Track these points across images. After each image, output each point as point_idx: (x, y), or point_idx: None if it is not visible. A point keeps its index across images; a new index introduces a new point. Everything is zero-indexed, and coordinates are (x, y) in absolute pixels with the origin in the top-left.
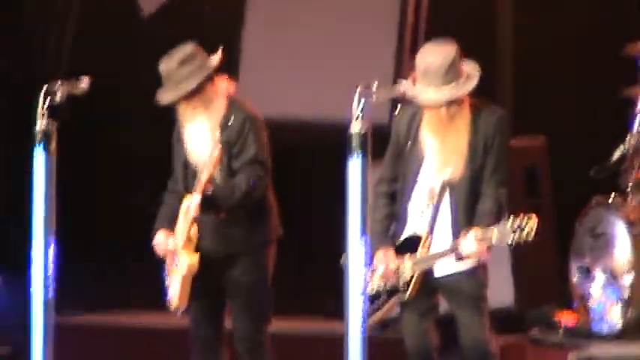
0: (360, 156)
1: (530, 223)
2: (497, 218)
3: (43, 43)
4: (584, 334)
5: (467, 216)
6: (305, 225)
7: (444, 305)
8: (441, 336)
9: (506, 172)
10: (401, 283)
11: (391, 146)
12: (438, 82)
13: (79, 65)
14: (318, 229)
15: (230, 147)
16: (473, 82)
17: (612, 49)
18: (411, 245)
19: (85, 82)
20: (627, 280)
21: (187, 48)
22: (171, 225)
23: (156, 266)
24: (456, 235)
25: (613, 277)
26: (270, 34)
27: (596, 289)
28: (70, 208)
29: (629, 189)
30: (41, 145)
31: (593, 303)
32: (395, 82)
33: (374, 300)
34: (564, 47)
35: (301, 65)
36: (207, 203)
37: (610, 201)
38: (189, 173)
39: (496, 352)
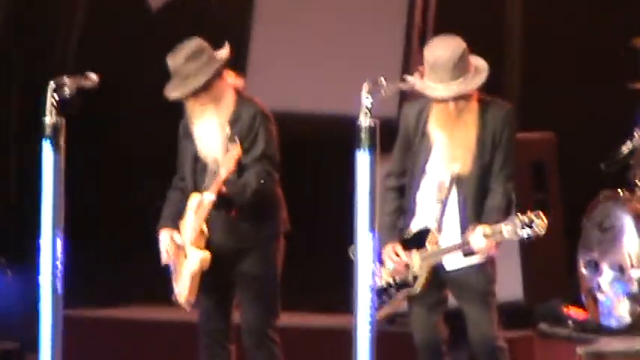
0: (368, 150)
1: (540, 220)
2: (505, 214)
3: (50, 40)
4: (593, 328)
5: (475, 211)
6: (313, 219)
7: (452, 300)
8: (449, 330)
9: (514, 167)
10: (410, 278)
11: (399, 140)
12: (447, 77)
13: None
14: (327, 223)
15: (240, 142)
16: (481, 77)
17: (619, 43)
18: (419, 239)
19: (93, 77)
20: (635, 274)
21: (194, 43)
22: (175, 222)
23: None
24: (464, 229)
25: (621, 271)
26: (278, 29)
27: (605, 284)
28: (77, 203)
29: (637, 183)
30: (49, 140)
31: (601, 297)
32: (403, 76)
33: (382, 294)
34: (572, 42)
35: (309, 60)
36: (220, 202)
37: (618, 195)
38: (199, 168)
39: (504, 347)
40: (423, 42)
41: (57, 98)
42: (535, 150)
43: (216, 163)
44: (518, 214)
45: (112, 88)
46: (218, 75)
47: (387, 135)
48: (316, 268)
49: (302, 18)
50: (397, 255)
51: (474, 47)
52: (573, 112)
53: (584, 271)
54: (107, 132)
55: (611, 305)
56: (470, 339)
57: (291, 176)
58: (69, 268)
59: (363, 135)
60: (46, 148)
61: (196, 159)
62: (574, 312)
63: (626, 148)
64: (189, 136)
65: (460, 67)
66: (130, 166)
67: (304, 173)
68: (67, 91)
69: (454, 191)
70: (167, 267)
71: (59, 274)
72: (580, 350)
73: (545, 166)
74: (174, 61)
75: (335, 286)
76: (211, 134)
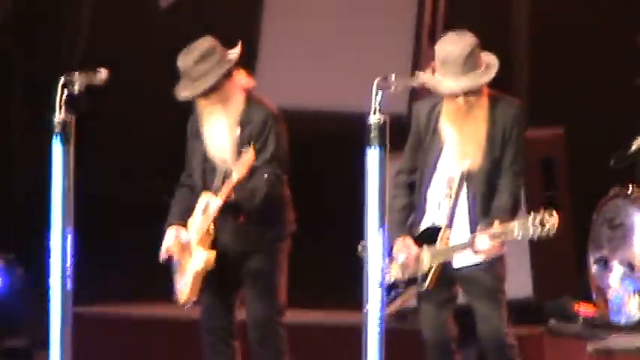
0: (378, 147)
1: (552, 220)
2: (512, 213)
3: (58, 37)
4: (603, 325)
5: (484, 207)
6: (323, 216)
7: (462, 296)
8: (459, 327)
9: (523, 164)
10: (419, 274)
11: (411, 137)
12: (457, 72)
13: (93, 59)
14: (336, 220)
15: (250, 144)
16: (492, 73)
17: (629, 38)
18: (429, 236)
19: (103, 74)
20: None
21: (205, 43)
22: (183, 219)
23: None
24: (473, 227)
25: (631, 268)
26: (287, 26)
27: (614, 281)
28: (84, 200)
29: None
30: (59, 137)
31: (611, 294)
32: (413, 72)
33: (392, 290)
34: (581, 38)
35: (319, 56)
36: (228, 208)
37: (628, 192)
38: (208, 168)
39: (514, 344)
40: (432, 40)
41: (66, 95)
42: (544, 147)
43: (225, 164)
44: (531, 212)
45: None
46: (227, 76)
47: (397, 132)
48: (326, 265)
49: (311, 15)
50: (407, 248)
51: (483, 45)
52: (583, 108)
53: (593, 268)
54: (114, 130)
55: (620, 302)
56: (479, 336)
57: (301, 173)
58: (78, 266)
59: (373, 132)
60: (56, 145)
61: (205, 158)
62: (584, 309)
63: (635, 145)
64: (198, 135)
65: (471, 63)
66: (138, 163)
67: (314, 170)
68: (76, 87)
69: (464, 187)
70: (170, 264)
71: (69, 272)
72: (590, 347)
73: (554, 163)
74: (185, 61)
75: (344, 283)
76: (220, 135)
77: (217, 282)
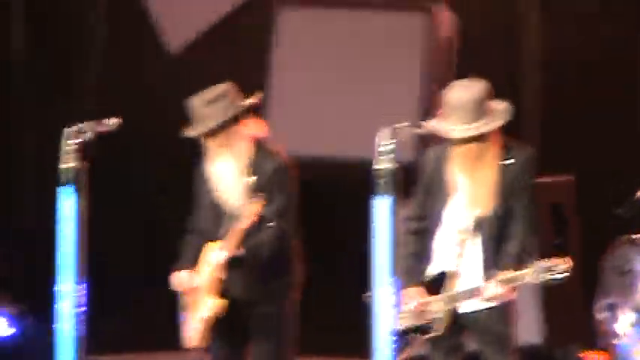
0: (387, 194)
1: (563, 266)
2: (524, 260)
3: (69, 80)
4: None
5: (495, 255)
6: (332, 262)
7: (471, 343)
8: None
9: (535, 212)
10: (430, 321)
11: (420, 184)
12: (467, 118)
13: (104, 104)
14: (345, 267)
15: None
16: (502, 119)
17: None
18: (440, 282)
19: (113, 122)
20: None
21: (220, 87)
22: (194, 264)
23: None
24: (487, 272)
25: None
26: (296, 74)
27: (623, 327)
28: (96, 249)
29: None
30: (68, 185)
31: (620, 341)
32: (421, 120)
33: (403, 337)
34: (591, 86)
35: (328, 103)
36: (234, 261)
37: (636, 239)
38: (216, 213)
39: None
40: (439, 88)
41: (74, 144)
42: (554, 193)
43: (232, 209)
44: (543, 258)
45: (138, 127)
46: (234, 120)
47: (406, 179)
48: (334, 312)
49: (319, 63)
50: (417, 296)
51: (493, 84)
52: (593, 154)
53: (602, 314)
54: (121, 177)
55: (629, 349)
56: None
57: (309, 220)
58: (87, 315)
59: (381, 180)
60: (64, 194)
61: (213, 204)
62: (592, 356)
63: None
64: (206, 182)
65: (480, 109)
66: (142, 210)
67: (322, 217)
68: (87, 136)
69: (475, 234)
70: (177, 313)
71: (79, 321)
72: None
73: (564, 210)
74: (196, 102)
75: (353, 330)
76: (227, 180)
77: (228, 333)
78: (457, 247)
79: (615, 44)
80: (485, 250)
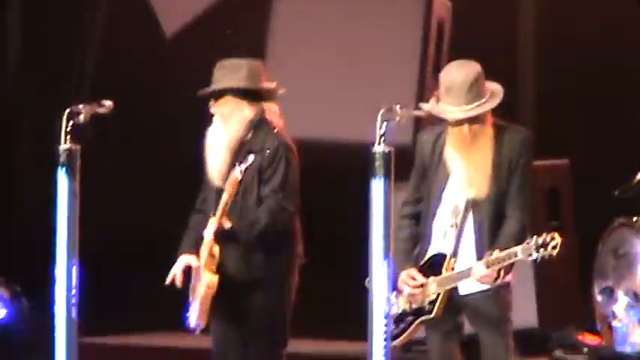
0: (383, 177)
1: (554, 241)
2: (518, 241)
3: (67, 66)
4: (608, 355)
5: (491, 235)
6: (329, 246)
7: (468, 326)
8: (465, 357)
9: (530, 194)
10: (426, 304)
11: (416, 168)
12: (462, 99)
13: (101, 89)
14: (342, 250)
15: (261, 173)
16: (496, 100)
17: (635, 69)
18: (435, 265)
19: (108, 104)
20: None
21: (250, 61)
22: (196, 246)
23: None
24: (480, 254)
25: (636, 297)
26: (292, 58)
27: (620, 310)
28: (93, 229)
29: None
30: (64, 168)
31: (616, 324)
32: (417, 103)
33: (400, 321)
34: (587, 67)
35: (325, 88)
36: (225, 236)
37: (633, 222)
38: (217, 191)
39: None
40: (437, 70)
41: (72, 125)
42: (549, 177)
43: (218, 184)
44: (534, 235)
45: (135, 111)
46: (243, 93)
47: (402, 163)
48: (332, 295)
49: (316, 47)
50: (413, 279)
51: (488, 75)
52: (589, 138)
53: (599, 297)
54: (121, 159)
55: (626, 332)
56: None
57: (307, 204)
58: (89, 297)
59: (378, 162)
60: (61, 175)
61: (212, 182)
62: (589, 339)
63: (639, 175)
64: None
65: (475, 90)
66: (143, 193)
67: (319, 201)
68: (82, 118)
69: (470, 216)
70: (179, 293)
71: (74, 302)
72: None
73: (560, 193)
74: (218, 64)
75: (350, 314)
76: (216, 154)
77: (226, 312)
78: (452, 229)
79: (614, 23)
80: (480, 232)
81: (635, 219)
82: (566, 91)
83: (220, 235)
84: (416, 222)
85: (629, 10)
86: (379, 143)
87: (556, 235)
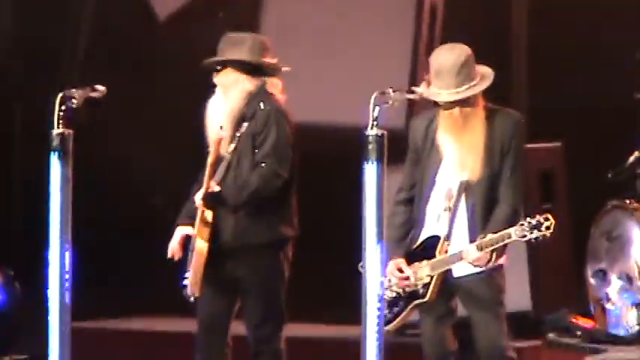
0: (376, 161)
1: (547, 222)
2: (511, 224)
3: (57, 52)
4: (601, 338)
5: (484, 218)
6: (322, 230)
7: (461, 309)
8: (458, 341)
9: (522, 176)
10: (420, 287)
11: (409, 154)
12: (452, 82)
13: (92, 75)
14: (337, 235)
15: (254, 138)
16: (486, 83)
17: (628, 53)
18: (429, 248)
19: (100, 89)
20: None
21: (258, 36)
22: (194, 216)
23: (172, 270)
24: (473, 237)
25: (629, 280)
26: (284, 41)
27: (613, 293)
28: (87, 214)
29: None
30: (56, 152)
31: (609, 307)
32: (411, 86)
33: (393, 305)
34: (578, 51)
35: (317, 69)
36: (213, 200)
37: (626, 204)
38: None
39: (514, 357)
40: (430, 47)
41: (64, 110)
42: (543, 160)
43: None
44: (528, 217)
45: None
46: (242, 66)
47: (395, 146)
48: (325, 279)
49: (309, 30)
50: (400, 270)
51: (481, 58)
52: (580, 121)
53: (592, 280)
54: (112, 144)
55: (619, 315)
56: (478, 349)
57: (300, 187)
58: (76, 280)
59: (371, 146)
60: (54, 159)
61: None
62: (582, 321)
63: (633, 158)
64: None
65: (465, 73)
66: (135, 178)
67: (312, 184)
68: (74, 102)
69: (462, 199)
70: (180, 273)
71: (67, 286)
72: None
73: (552, 176)
74: (225, 36)
75: (344, 298)
76: (216, 125)
77: (218, 281)
78: (445, 212)
79: (610, 5)
80: (473, 215)
81: (628, 201)
82: (560, 74)
83: (209, 199)
84: (410, 207)
85: None
86: (372, 127)
87: (549, 216)
